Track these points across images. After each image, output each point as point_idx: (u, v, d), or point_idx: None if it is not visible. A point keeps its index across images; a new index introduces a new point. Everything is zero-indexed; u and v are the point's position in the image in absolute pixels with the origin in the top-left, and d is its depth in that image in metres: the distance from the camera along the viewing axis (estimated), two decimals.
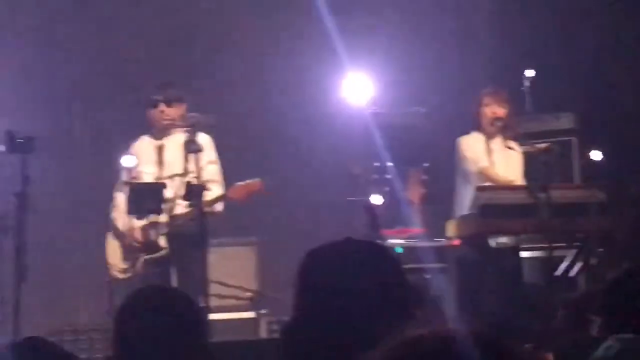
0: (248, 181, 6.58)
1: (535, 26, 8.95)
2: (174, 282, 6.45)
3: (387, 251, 2.32)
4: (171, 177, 6.63)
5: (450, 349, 1.25)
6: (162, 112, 6.65)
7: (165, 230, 6.39)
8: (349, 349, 1.98)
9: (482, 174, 7.03)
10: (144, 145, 6.83)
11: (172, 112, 6.66)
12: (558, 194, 6.64)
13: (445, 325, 1.33)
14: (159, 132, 6.79)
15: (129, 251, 6.47)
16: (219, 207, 6.55)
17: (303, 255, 2.28)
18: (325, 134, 9.65)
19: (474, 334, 1.27)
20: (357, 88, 9.10)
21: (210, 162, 6.75)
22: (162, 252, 6.44)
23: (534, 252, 7.50)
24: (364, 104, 9.17)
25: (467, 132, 7.23)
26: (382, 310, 2.12)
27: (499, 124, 7.06)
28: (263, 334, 7.72)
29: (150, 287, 3.78)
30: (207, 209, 6.35)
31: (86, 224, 8.67)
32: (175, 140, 6.69)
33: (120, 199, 6.61)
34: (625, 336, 2.95)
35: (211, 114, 8.66)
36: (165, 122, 6.62)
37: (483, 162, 7.05)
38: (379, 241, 6.86)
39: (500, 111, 7.05)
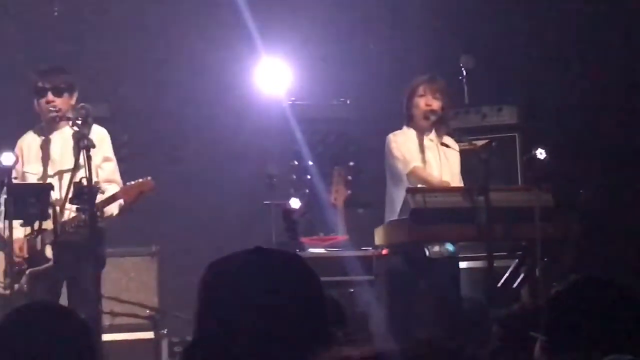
0: (139, 180, 6.55)
1: (474, 10, 9.06)
2: (63, 298, 6.38)
3: (302, 262, 2.29)
4: (58, 175, 6.55)
5: None
6: (50, 102, 6.56)
7: (52, 238, 6.30)
8: None
9: (414, 175, 7.06)
10: (29, 141, 6.74)
11: (61, 102, 6.58)
12: (499, 197, 6.72)
13: (372, 346, 1.36)
14: (46, 125, 6.70)
15: (11, 263, 6.37)
16: (114, 210, 6.50)
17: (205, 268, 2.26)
18: (236, 127, 9.63)
19: (403, 355, 1.31)
20: (273, 75, 9.11)
21: (106, 160, 6.69)
22: (49, 265, 6.35)
23: (472, 262, 7.61)
24: (281, 94, 9.20)
25: (397, 128, 7.27)
26: (296, 331, 2.11)
27: (433, 117, 7.10)
28: (164, 356, 7.69)
29: (32, 304, 3.73)
30: (101, 215, 6.29)
31: None
32: (64, 135, 6.61)
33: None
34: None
35: (105, 105, 8.63)
36: (53, 114, 6.53)
37: (415, 162, 7.09)
38: (297, 250, 6.89)
39: (435, 103, 7.09)
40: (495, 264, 6.67)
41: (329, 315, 2.20)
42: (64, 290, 6.54)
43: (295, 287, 2.19)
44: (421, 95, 7.10)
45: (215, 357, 2.14)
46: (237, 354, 2.11)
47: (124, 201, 6.49)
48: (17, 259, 6.36)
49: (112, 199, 6.44)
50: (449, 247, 6.81)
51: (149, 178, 6.55)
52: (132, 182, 6.54)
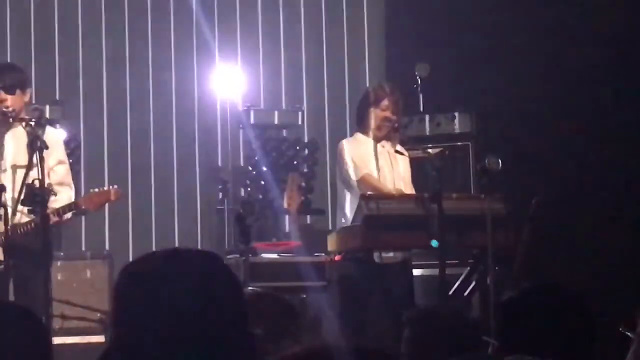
0: (103, 189, 6.51)
1: (427, 18, 9.11)
2: (15, 299, 6.30)
3: (221, 262, 2.22)
4: (11, 176, 6.48)
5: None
6: (2, 101, 6.46)
7: (2, 240, 6.23)
8: None
9: (364, 182, 7.07)
10: None
11: (13, 100, 6.47)
12: (451, 205, 6.75)
13: (318, 342, 1.36)
14: None
15: None
16: (68, 214, 6.46)
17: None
18: (190, 132, 9.62)
19: (353, 346, 1.32)
20: (229, 81, 9.10)
21: (60, 162, 6.62)
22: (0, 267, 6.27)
23: (425, 269, 7.63)
24: (236, 100, 9.19)
25: (349, 134, 7.28)
26: (214, 334, 2.05)
27: (389, 125, 7.12)
28: None
29: None
30: (54, 219, 6.24)
31: None
32: (17, 135, 6.53)
33: None
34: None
35: (57, 107, 8.58)
36: (5, 112, 6.44)
37: (366, 169, 7.10)
38: (250, 255, 6.88)
39: (394, 116, 7.12)
40: (447, 272, 6.70)
41: (283, 317, 2.19)
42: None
43: (212, 288, 2.12)
44: (383, 109, 7.11)
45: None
46: (154, 357, 2.06)
47: (88, 208, 6.45)
48: None
49: (74, 205, 6.39)
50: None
51: (116, 187, 6.53)
52: (97, 190, 6.49)
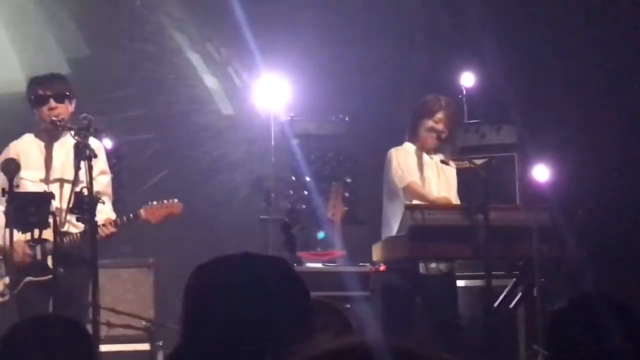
0: (166, 202, 6.58)
1: (474, 27, 9.10)
2: (55, 306, 6.36)
3: (288, 266, 2.26)
4: (59, 184, 6.55)
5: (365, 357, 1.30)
6: (53, 109, 6.55)
7: (51, 248, 6.29)
8: None
9: (409, 190, 7.07)
10: (28, 146, 6.70)
11: (63, 109, 6.57)
12: (497, 216, 6.74)
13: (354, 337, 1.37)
14: (46, 133, 6.70)
15: (9, 271, 6.36)
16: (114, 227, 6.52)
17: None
18: (235, 143, 9.66)
19: (390, 345, 1.33)
20: (273, 92, 9.14)
21: (102, 172, 6.69)
22: (48, 276, 6.32)
23: (470, 280, 7.61)
24: (279, 110, 9.22)
25: (394, 144, 7.29)
26: (282, 336, 2.07)
27: (435, 136, 7.13)
28: None
29: (38, 316, 3.73)
30: (111, 230, 6.32)
31: None
32: (65, 144, 6.61)
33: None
34: None
35: (103, 117, 8.65)
36: (55, 121, 6.52)
37: (412, 177, 7.11)
38: (295, 265, 6.91)
39: (447, 129, 7.12)
40: (493, 283, 6.68)
41: (335, 323, 2.20)
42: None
43: (281, 292, 2.15)
44: (436, 121, 7.11)
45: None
46: (222, 357, 2.08)
47: (149, 220, 6.52)
48: (17, 264, 6.34)
49: (134, 217, 6.47)
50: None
51: (176, 200, 6.59)
52: (156, 203, 6.56)
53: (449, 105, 7.16)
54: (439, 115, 7.12)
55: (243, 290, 2.14)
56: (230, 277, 2.16)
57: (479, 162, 7.07)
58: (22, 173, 6.55)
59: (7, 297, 6.30)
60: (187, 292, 2.18)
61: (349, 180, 9.25)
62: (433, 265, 7.01)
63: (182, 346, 2.16)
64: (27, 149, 6.67)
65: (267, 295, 2.14)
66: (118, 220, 6.42)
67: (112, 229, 6.38)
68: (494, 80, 8.61)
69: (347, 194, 8.11)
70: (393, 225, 7.00)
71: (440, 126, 7.10)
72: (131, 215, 6.53)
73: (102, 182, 6.63)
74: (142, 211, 6.54)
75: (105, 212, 6.48)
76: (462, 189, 7.24)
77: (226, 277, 2.17)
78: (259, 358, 2.02)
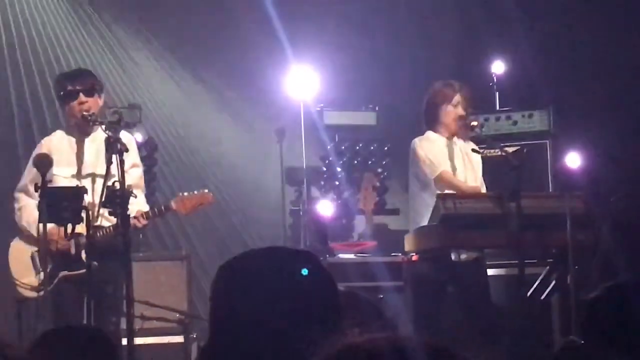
0: (196, 192, 6.58)
1: (504, 15, 9.06)
2: (90, 301, 6.38)
3: (315, 260, 2.25)
4: (91, 179, 6.58)
5: (397, 353, 1.29)
6: (83, 103, 6.58)
7: (85, 242, 6.32)
8: None
9: (442, 180, 7.06)
10: (59, 142, 6.73)
11: (93, 102, 6.59)
12: (529, 204, 6.70)
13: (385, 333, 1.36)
14: (77, 128, 6.72)
15: (43, 266, 6.39)
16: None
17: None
18: (266, 134, 9.66)
19: (423, 341, 1.32)
20: (303, 82, 9.14)
21: (134, 165, 6.71)
22: (83, 270, 6.35)
23: (502, 269, 7.58)
24: (309, 101, 9.22)
25: (423, 133, 7.27)
26: (310, 330, 2.05)
27: (461, 122, 7.11)
28: None
29: (60, 328, 3.74)
30: (143, 222, 6.34)
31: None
32: (97, 139, 6.64)
33: (26, 201, 6.55)
34: None
35: (135, 110, 8.66)
36: (85, 115, 6.54)
37: (442, 167, 7.09)
38: (327, 256, 6.90)
39: (465, 112, 7.10)
40: (526, 272, 6.65)
41: (368, 315, 2.19)
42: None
43: (308, 285, 2.15)
44: (455, 105, 7.10)
45: (230, 356, 2.11)
46: (251, 352, 2.08)
47: (180, 211, 6.53)
48: (52, 259, 6.38)
49: (165, 208, 6.49)
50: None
51: (207, 190, 6.60)
52: (187, 194, 6.57)
53: (463, 88, 7.14)
54: (457, 98, 7.10)
55: (269, 286, 2.13)
56: (256, 273, 2.16)
57: (510, 150, 7.04)
58: (55, 169, 6.58)
59: (42, 293, 6.33)
60: (213, 289, 2.18)
61: (379, 170, 9.25)
62: (465, 254, 6.98)
63: (211, 343, 2.16)
64: (58, 145, 6.70)
65: (294, 291, 2.13)
66: (149, 212, 6.44)
67: (144, 222, 6.40)
68: (525, 67, 8.57)
69: (378, 184, 8.10)
70: (424, 215, 6.98)
71: (460, 109, 7.08)
72: (162, 207, 6.54)
73: (135, 175, 6.65)
74: (172, 202, 6.55)
75: (137, 205, 6.50)
76: (494, 178, 7.21)
77: (252, 273, 2.16)
78: (287, 354, 2.01)
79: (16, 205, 6.71)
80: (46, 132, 7.13)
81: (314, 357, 1.31)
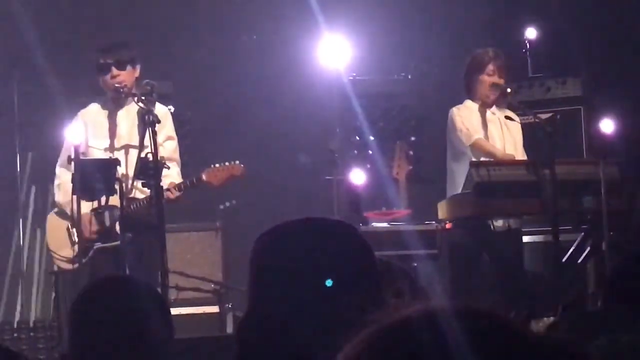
0: (227, 164, 6.58)
1: None
2: (128, 272, 6.42)
3: (353, 229, 2.24)
4: (125, 151, 6.60)
5: (439, 323, 1.27)
6: (115, 77, 6.58)
7: (119, 214, 6.34)
8: (310, 346, 1.95)
9: (477, 147, 7.03)
10: (94, 114, 6.74)
11: (125, 75, 6.58)
12: (564, 171, 6.67)
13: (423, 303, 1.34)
14: (111, 100, 6.73)
15: (79, 238, 6.43)
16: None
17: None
18: (297, 103, 9.64)
19: (463, 307, 1.30)
20: (334, 51, 9.10)
21: (169, 138, 6.72)
22: (117, 242, 6.38)
23: (537, 236, 7.55)
24: (341, 69, 9.18)
25: (458, 101, 7.24)
26: (349, 300, 2.02)
27: (497, 90, 7.07)
28: (229, 330, 7.74)
29: (109, 277, 3.78)
30: (175, 194, 6.35)
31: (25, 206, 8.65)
32: (130, 111, 6.64)
33: (65, 177, 6.58)
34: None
35: (168, 82, 8.68)
36: (118, 88, 6.54)
37: (477, 135, 7.06)
38: (361, 225, 6.89)
39: (501, 80, 7.07)
40: (560, 238, 6.62)
41: (380, 282, 2.17)
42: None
43: (347, 255, 2.14)
44: (490, 74, 7.06)
45: (269, 328, 2.10)
46: (290, 323, 2.08)
47: (211, 183, 6.53)
48: (85, 234, 6.42)
49: (197, 180, 6.49)
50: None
51: (238, 162, 6.59)
52: (218, 165, 6.56)
53: (498, 56, 7.09)
54: (491, 66, 7.06)
55: (306, 257, 2.12)
56: (296, 242, 2.15)
57: (544, 116, 7.00)
58: (90, 142, 6.61)
59: (77, 265, 6.38)
60: (251, 261, 2.17)
61: (413, 138, 9.20)
62: (499, 221, 6.96)
63: (249, 314, 2.16)
64: (93, 117, 6.72)
65: (332, 257, 2.12)
66: (181, 184, 6.45)
67: (177, 193, 6.41)
68: (558, 33, 8.48)
69: (411, 153, 8.07)
70: (459, 183, 6.97)
71: (495, 78, 7.04)
72: (194, 179, 6.54)
73: (169, 147, 6.66)
74: (204, 174, 6.55)
75: (171, 177, 6.51)
76: (527, 144, 7.17)
77: (292, 242, 2.16)
78: (326, 326, 2.00)
79: (56, 182, 6.74)
80: None
81: (361, 325, 1.29)
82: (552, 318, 5.34)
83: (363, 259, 2.16)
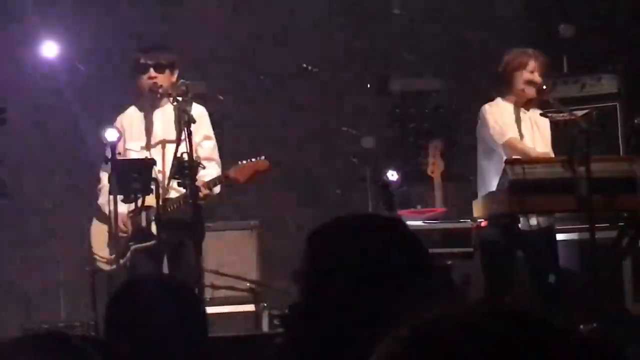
0: (253, 160, 6.57)
1: None
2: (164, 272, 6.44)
3: (406, 227, 2.24)
4: (160, 152, 6.62)
5: (474, 322, 1.26)
6: (152, 78, 6.60)
7: (155, 214, 6.36)
8: (362, 338, 1.95)
9: (510, 146, 6.99)
10: (131, 117, 6.78)
11: (163, 78, 6.60)
12: (599, 168, 6.61)
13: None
14: (148, 102, 6.75)
15: (116, 239, 6.46)
16: (217, 189, 6.55)
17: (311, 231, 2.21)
18: (332, 101, 9.64)
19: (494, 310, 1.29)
20: (368, 48, 9.09)
21: (207, 138, 6.72)
22: (153, 242, 6.40)
23: (572, 234, 7.50)
24: (375, 66, 9.18)
25: (491, 99, 7.20)
26: (402, 294, 2.06)
27: (535, 89, 7.03)
28: (265, 328, 7.75)
29: (145, 276, 3.80)
30: (204, 192, 6.34)
31: (67, 208, 8.69)
32: (166, 112, 6.67)
33: (106, 180, 6.62)
34: None
35: (202, 82, 8.70)
36: (155, 90, 6.57)
37: (511, 133, 7.02)
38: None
39: (540, 79, 7.03)
40: (596, 236, 6.57)
41: (434, 279, 2.16)
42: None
43: (399, 252, 2.13)
44: (532, 71, 7.02)
45: (318, 321, 2.11)
46: (340, 317, 2.08)
47: (238, 180, 6.53)
48: (121, 234, 6.44)
49: (224, 178, 6.49)
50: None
51: (263, 157, 6.58)
52: (245, 162, 6.55)
53: (539, 55, 7.05)
54: (531, 65, 7.01)
55: (359, 248, 2.13)
56: (351, 238, 2.16)
57: (579, 113, 6.94)
58: (127, 144, 6.65)
59: (114, 266, 6.41)
60: (306, 253, 2.17)
61: (447, 136, 9.18)
62: (534, 219, 6.92)
63: (301, 305, 2.15)
64: (131, 120, 6.77)
65: (384, 252, 2.12)
66: (210, 182, 6.45)
67: (205, 191, 6.40)
68: (594, 29, 8.42)
69: (445, 151, 8.04)
70: (491, 181, 6.93)
71: (536, 76, 7.00)
72: (221, 176, 6.54)
73: (207, 147, 6.67)
74: (230, 171, 6.55)
75: (209, 177, 6.52)
76: (563, 142, 7.11)
77: (345, 237, 2.16)
78: (380, 324, 1.99)
79: (99, 185, 6.78)
80: None
81: (409, 320, 1.28)
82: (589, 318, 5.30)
83: (419, 256, 2.16)
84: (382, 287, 2.08)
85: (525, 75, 7.01)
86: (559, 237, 7.24)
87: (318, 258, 2.16)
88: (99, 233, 6.68)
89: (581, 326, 5.36)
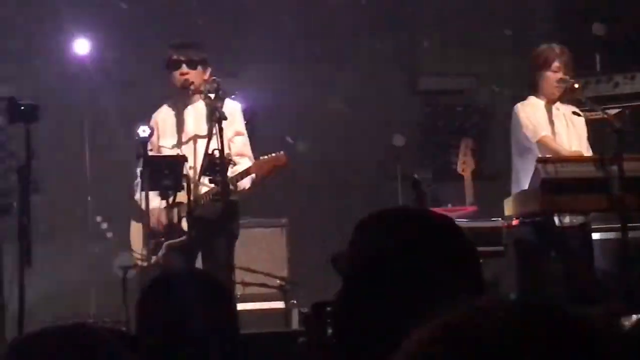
0: (272, 155, 6.57)
1: None
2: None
3: (453, 223, 2.20)
4: (193, 141, 6.63)
5: (505, 319, 1.24)
6: (184, 74, 6.62)
7: (186, 211, 6.38)
8: (404, 328, 1.94)
9: (543, 144, 6.96)
10: (165, 115, 6.80)
11: (195, 75, 6.62)
12: (632, 166, 6.57)
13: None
14: (180, 99, 6.78)
15: (150, 236, 6.48)
16: (246, 184, 6.55)
17: (358, 223, 2.19)
18: (363, 100, 9.63)
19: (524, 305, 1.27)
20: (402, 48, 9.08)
21: (238, 134, 6.74)
22: (185, 238, 6.42)
23: (606, 233, 7.45)
24: (406, 65, 9.16)
25: (523, 98, 7.17)
26: (447, 296, 2.01)
27: (563, 86, 7.00)
28: (294, 325, 7.75)
29: (176, 271, 3.80)
30: (231, 187, 6.35)
31: (101, 204, 8.74)
32: (198, 108, 6.68)
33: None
34: None
35: (232, 78, 8.71)
36: (187, 87, 6.59)
37: (544, 131, 6.99)
38: None
39: (566, 76, 6.99)
40: (630, 235, 6.53)
41: (481, 272, 2.14)
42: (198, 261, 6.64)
43: (446, 247, 2.10)
44: (555, 70, 6.99)
45: (362, 310, 2.08)
46: (385, 309, 2.05)
47: (257, 175, 6.52)
48: (155, 230, 6.47)
49: (245, 173, 6.48)
50: None
51: (282, 152, 6.57)
52: (265, 157, 6.55)
53: (564, 52, 7.01)
54: (556, 63, 6.97)
55: (402, 242, 2.10)
56: (394, 229, 2.13)
57: (612, 112, 6.90)
58: (160, 141, 6.68)
59: (147, 262, 6.43)
60: (352, 245, 2.15)
61: (478, 134, 9.15)
62: (567, 218, 6.87)
63: (344, 298, 2.13)
64: (164, 118, 6.79)
65: (429, 247, 2.08)
66: (233, 178, 6.45)
67: (231, 187, 6.40)
68: (627, 27, 8.38)
69: (476, 149, 8.02)
70: (523, 180, 6.90)
71: (560, 74, 6.96)
72: (242, 172, 6.54)
73: (239, 142, 6.69)
74: (251, 167, 6.55)
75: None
76: (595, 141, 7.08)
77: (388, 229, 2.14)
78: (418, 315, 1.98)
79: (135, 182, 6.81)
80: None
81: (445, 312, 1.27)
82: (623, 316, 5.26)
83: (465, 249, 2.13)
84: (424, 280, 2.05)
85: (550, 74, 6.98)
86: (595, 236, 7.20)
87: (363, 247, 2.14)
88: (136, 229, 6.72)
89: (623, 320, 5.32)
